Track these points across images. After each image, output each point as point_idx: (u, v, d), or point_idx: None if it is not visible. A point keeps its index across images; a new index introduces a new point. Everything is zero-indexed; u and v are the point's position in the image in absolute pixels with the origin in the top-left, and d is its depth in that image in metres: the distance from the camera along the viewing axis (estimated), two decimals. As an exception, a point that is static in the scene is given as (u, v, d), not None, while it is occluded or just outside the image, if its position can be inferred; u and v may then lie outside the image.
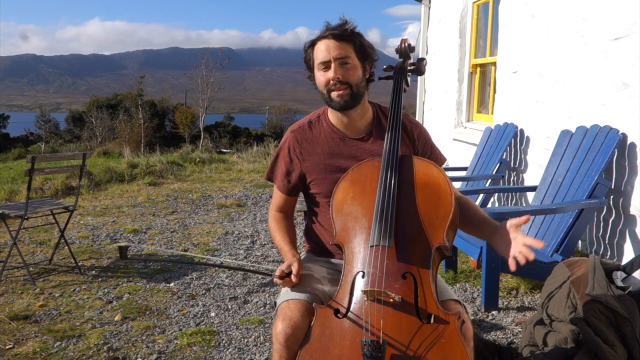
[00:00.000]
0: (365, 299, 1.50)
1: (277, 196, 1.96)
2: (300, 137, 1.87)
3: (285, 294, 1.67)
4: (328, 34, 1.74)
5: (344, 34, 1.74)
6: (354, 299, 1.52)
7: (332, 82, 1.73)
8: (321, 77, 1.76)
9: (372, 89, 1.91)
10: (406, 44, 1.96)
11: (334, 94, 1.75)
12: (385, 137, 1.76)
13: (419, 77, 6.90)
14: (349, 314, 1.50)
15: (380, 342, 1.41)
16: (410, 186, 1.65)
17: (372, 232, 1.59)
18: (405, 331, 1.44)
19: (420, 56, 6.96)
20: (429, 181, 1.65)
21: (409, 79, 1.98)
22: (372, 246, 1.57)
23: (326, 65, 1.74)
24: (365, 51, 1.79)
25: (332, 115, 1.87)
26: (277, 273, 1.66)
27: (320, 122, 1.88)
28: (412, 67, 1.97)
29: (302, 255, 2.00)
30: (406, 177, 1.66)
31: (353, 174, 1.74)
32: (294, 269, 1.66)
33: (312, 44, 1.79)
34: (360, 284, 1.54)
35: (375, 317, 1.46)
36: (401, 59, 1.97)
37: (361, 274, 1.56)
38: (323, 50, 1.73)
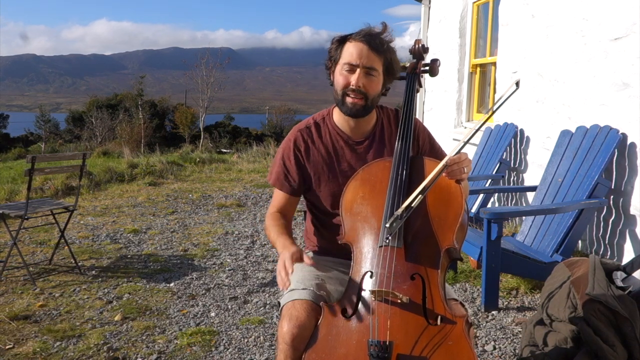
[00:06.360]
0: (373, 299, 1.49)
1: (278, 196, 1.87)
2: (307, 136, 1.84)
3: (290, 294, 1.65)
4: (364, 39, 1.69)
5: (379, 47, 1.70)
6: (362, 299, 1.52)
7: (351, 86, 1.69)
8: (342, 77, 1.71)
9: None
10: (420, 45, 1.95)
11: (348, 100, 1.71)
12: (397, 137, 1.75)
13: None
14: (356, 314, 1.50)
15: (387, 342, 1.41)
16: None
17: (382, 232, 1.58)
18: (412, 332, 1.44)
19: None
20: (439, 183, 1.62)
21: (422, 79, 1.97)
22: (381, 246, 1.57)
23: (351, 69, 1.69)
24: (392, 68, 1.76)
25: (338, 117, 1.85)
26: (283, 270, 1.51)
27: (326, 123, 1.86)
28: (425, 68, 1.96)
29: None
30: (417, 178, 1.64)
31: (363, 174, 1.73)
32: (306, 259, 1.53)
33: (343, 40, 1.73)
34: (368, 284, 1.54)
35: (383, 318, 1.46)
36: (414, 60, 1.96)
37: (369, 274, 1.55)
38: (353, 53, 1.68)
